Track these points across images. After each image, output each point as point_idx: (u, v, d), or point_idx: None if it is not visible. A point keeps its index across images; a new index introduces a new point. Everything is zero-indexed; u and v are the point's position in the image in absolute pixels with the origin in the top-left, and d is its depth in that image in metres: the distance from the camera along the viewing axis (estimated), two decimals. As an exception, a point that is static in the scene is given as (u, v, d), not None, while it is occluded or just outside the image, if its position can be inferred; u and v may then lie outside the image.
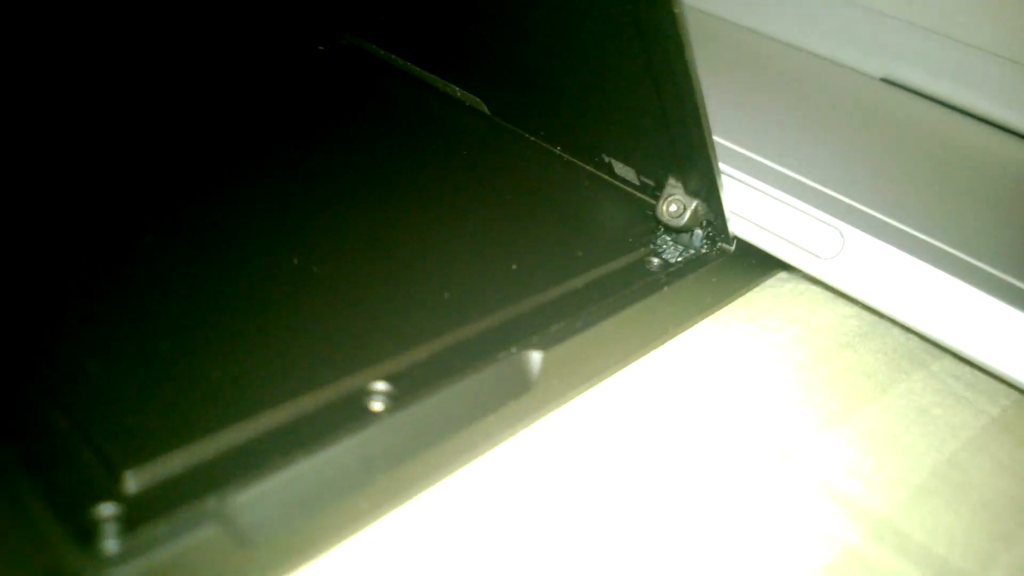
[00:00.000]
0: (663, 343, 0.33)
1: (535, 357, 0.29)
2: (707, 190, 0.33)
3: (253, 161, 0.38)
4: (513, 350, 0.28)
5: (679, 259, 0.34)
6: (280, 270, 0.31)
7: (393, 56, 0.46)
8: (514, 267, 0.32)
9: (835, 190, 0.34)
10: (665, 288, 0.32)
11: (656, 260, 0.34)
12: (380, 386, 0.26)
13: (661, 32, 0.28)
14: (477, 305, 0.30)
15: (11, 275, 0.30)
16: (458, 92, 0.43)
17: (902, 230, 0.32)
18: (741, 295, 0.36)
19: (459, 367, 0.28)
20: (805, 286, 0.37)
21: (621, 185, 0.37)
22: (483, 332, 0.29)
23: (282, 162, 0.38)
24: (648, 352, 0.33)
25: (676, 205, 0.34)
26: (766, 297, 0.36)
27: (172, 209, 0.34)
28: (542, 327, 0.29)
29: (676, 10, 0.26)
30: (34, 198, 0.34)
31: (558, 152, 0.40)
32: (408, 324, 0.29)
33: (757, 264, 0.36)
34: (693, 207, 0.33)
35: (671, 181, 0.34)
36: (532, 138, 0.41)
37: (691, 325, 0.34)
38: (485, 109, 0.42)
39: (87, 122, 0.39)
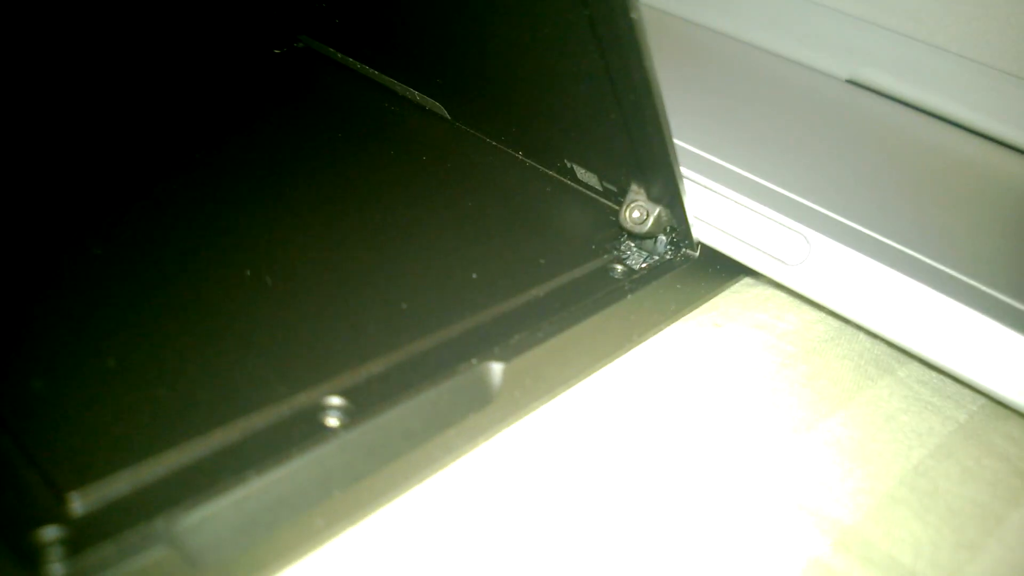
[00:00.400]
0: (627, 351, 0.33)
1: (496, 368, 0.28)
2: (670, 196, 0.32)
3: (206, 167, 0.37)
4: (473, 361, 0.28)
5: (643, 266, 0.34)
6: (232, 282, 0.30)
7: (350, 59, 0.46)
8: (474, 276, 0.32)
9: (800, 195, 0.34)
10: (629, 295, 0.32)
11: (620, 267, 0.33)
12: (335, 400, 0.26)
13: (618, 39, 0.27)
14: (436, 316, 0.30)
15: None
16: (417, 96, 0.42)
17: (868, 235, 0.32)
18: (706, 301, 0.36)
19: (418, 380, 0.27)
20: (771, 291, 0.37)
21: (584, 191, 0.37)
22: (442, 343, 0.29)
23: (236, 168, 0.37)
24: (612, 361, 0.32)
25: (639, 211, 0.33)
26: (731, 303, 0.36)
27: (120, 219, 0.33)
28: (503, 337, 0.29)
29: (633, 16, 0.26)
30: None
31: (520, 157, 0.39)
32: (365, 336, 0.29)
33: (722, 270, 0.35)
34: (656, 213, 0.33)
35: (634, 187, 0.33)
36: (493, 143, 0.40)
37: (655, 332, 0.34)
38: (445, 113, 0.42)
39: (27, 128, 0.38)
